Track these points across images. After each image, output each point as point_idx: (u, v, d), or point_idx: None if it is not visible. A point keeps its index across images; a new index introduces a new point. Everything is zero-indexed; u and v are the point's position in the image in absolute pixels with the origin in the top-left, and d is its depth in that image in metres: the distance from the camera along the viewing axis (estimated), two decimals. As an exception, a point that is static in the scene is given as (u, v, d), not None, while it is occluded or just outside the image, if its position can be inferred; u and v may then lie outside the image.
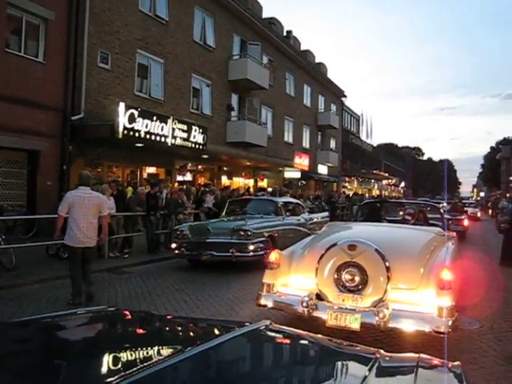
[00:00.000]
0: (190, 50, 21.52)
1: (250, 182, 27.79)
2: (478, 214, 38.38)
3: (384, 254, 5.23)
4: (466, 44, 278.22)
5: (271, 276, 5.82)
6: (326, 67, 42.73)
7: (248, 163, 26.33)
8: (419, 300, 5.05)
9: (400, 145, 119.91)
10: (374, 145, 66.55)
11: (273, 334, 2.24)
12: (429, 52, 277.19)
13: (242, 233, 10.62)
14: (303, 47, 38.71)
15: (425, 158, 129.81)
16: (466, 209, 28.77)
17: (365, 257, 5.25)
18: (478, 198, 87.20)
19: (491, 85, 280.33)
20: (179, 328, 2.35)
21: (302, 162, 33.58)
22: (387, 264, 5.18)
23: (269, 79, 26.92)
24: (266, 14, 31.04)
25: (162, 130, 17.29)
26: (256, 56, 25.59)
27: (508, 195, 42.23)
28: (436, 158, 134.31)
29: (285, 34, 34.96)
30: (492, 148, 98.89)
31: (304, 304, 5.24)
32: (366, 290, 5.18)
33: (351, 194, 37.54)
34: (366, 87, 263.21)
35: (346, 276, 5.27)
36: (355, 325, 4.99)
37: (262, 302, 5.70)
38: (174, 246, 11.52)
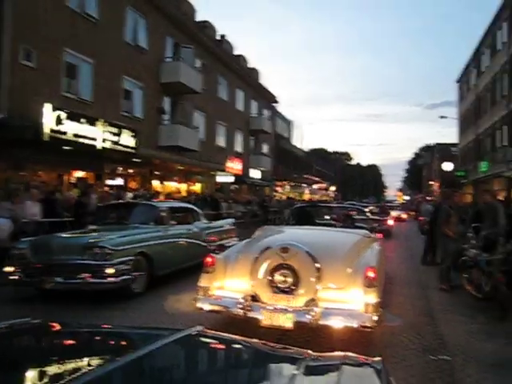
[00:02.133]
0: (121, 51, 21.07)
1: (183, 187, 27.57)
2: (403, 216, 40.48)
3: (314, 256, 5.55)
4: (392, 56, 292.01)
5: (207, 279, 5.99)
6: (258, 72, 43.24)
7: (180, 167, 26.14)
8: (347, 298, 5.42)
9: (330, 150, 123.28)
10: (306, 150, 68.04)
11: (205, 340, 2.27)
12: (357, 62, 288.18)
13: (97, 250, 7.83)
14: (236, 52, 38.98)
15: (354, 162, 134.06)
16: (391, 211, 31.85)
17: (297, 259, 5.55)
18: (403, 201, 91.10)
19: (414, 95, 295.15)
20: (110, 337, 2.32)
21: (235, 166, 33.76)
22: (317, 265, 5.50)
23: (202, 83, 26.88)
24: (199, 18, 30.97)
25: (91, 132, 16.80)
26: (189, 59, 25.47)
27: (428, 198, 44.71)
28: (364, 163, 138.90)
29: (218, 37, 35.03)
30: (415, 154, 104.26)
31: (240, 305, 5.50)
32: (298, 291, 5.50)
33: (284, 198, 38.21)
34: (298, 94, 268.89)
35: (279, 277, 5.57)
36: (289, 324, 5.29)
37: (199, 305, 5.87)
38: (7, 269, 8.13)
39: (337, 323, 5.22)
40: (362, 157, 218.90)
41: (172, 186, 26.48)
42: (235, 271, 5.99)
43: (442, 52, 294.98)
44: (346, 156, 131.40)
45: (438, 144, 74.36)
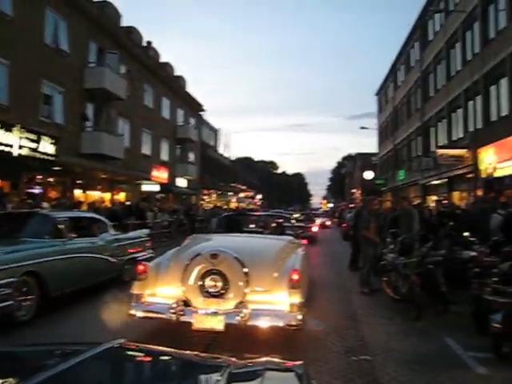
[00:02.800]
0: (40, 54, 20.13)
1: (107, 196, 26.77)
2: (328, 223, 41.77)
3: (243, 261, 5.87)
4: (318, 68, 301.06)
5: (139, 287, 6.17)
6: (185, 81, 43.02)
7: (104, 176, 25.40)
8: (274, 300, 5.83)
9: (256, 159, 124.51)
10: (232, 159, 68.37)
11: (127, 352, 2.23)
12: (285, 73, 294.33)
13: None
14: (163, 59, 38.56)
15: (279, 171, 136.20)
16: (316, 218, 34.05)
17: (226, 264, 5.87)
18: (327, 209, 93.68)
19: (338, 106, 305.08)
20: (27, 355, 2.20)
21: (161, 174, 33.31)
22: (245, 270, 5.83)
23: (127, 90, 26.32)
24: (125, 23, 30.32)
25: (6, 139, 15.92)
26: (113, 65, 24.87)
27: (351, 206, 46.33)
28: (290, 172, 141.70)
29: (144, 44, 34.50)
30: (338, 163, 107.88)
31: (172, 310, 5.73)
32: (227, 294, 5.82)
33: (211, 206, 38.13)
34: (226, 103, 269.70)
35: (209, 282, 5.86)
36: (219, 326, 5.62)
37: (132, 312, 6.03)
38: None
39: (264, 323, 5.61)
40: (287, 166, 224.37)
41: (95, 195, 25.62)
42: (167, 278, 6.16)
43: (365, 65, 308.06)
44: (271, 165, 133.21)
45: (360, 154, 77.45)
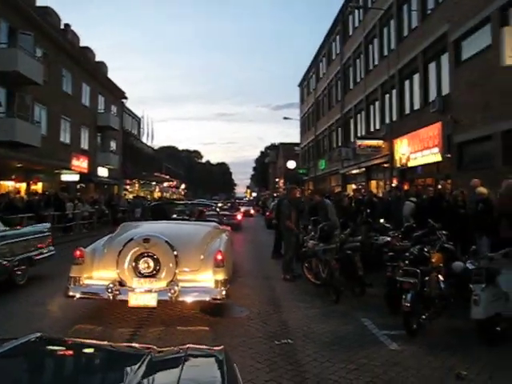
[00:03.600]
0: None
1: (23, 186, 25.42)
2: (251, 211, 42.54)
3: (173, 245, 6.70)
4: (247, 57, 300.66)
5: (77, 270, 6.80)
6: (106, 67, 41.51)
7: (19, 165, 24.05)
8: (201, 278, 6.77)
9: (181, 148, 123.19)
10: (156, 148, 67.13)
11: (45, 346, 2.21)
12: (214, 61, 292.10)
13: None
14: (83, 44, 36.96)
15: (203, 160, 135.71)
16: (241, 207, 34.70)
17: (157, 248, 6.67)
18: (251, 198, 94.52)
19: (263, 96, 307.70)
20: None
21: (81, 164, 32.11)
22: (175, 253, 6.68)
23: (43, 74, 24.97)
24: (41, 3, 28.62)
25: None
26: (28, 47, 23.44)
27: (275, 195, 47.05)
28: (214, 161, 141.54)
29: (62, 26, 32.82)
30: (262, 152, 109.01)
31: (109, 290, 6.42)
32: (159, 275, 6.61)
33: (134, 196, 37.29)
34: (152, 91, 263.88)
35: (142, 264, 6.66)
36: (153, 302, 6.44)
37: (71, 293, 6.67)
38: None
39: (193, 298, 6.54)
40: (212, 155, 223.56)
41: (9, 185, 24.26)
42: (102, 262, 6.89)
43: (291, 56, 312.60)
44: (196, 154, 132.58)
45: (283, 143, 78.84)
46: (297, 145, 61.48)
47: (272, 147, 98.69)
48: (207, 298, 6.56)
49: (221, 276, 6.72)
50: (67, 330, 6.13)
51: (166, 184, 68.20)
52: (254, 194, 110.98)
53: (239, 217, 26.81)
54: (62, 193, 23.16)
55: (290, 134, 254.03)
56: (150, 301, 6.45)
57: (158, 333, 6.25)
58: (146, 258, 6.67)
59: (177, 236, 7.10)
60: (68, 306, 7.33)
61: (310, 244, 9.36)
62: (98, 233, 22.06)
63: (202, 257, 6.95)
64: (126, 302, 6.44)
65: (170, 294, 6.38)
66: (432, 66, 20.12)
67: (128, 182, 47.58)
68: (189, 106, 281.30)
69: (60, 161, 28.53)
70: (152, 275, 6.61)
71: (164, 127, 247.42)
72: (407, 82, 22.80)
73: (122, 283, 6.57)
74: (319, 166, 42.93)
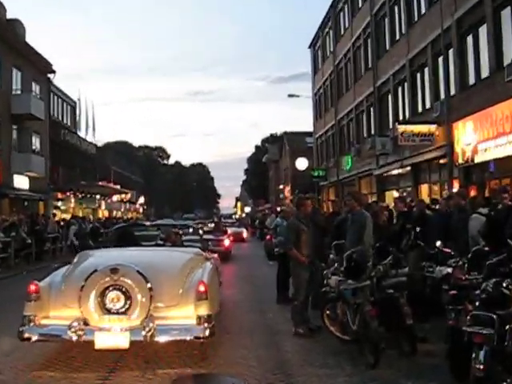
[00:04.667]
0: None
1: None
2: (244, 234, 43.18)
3: (145, 276, 7.85)
4: (233, 11, 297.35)
5: (32, 308, 8.02)
6: (24, 27, 41.52)
7: None
8: (180, 314, 8.03)
9: (136, 144, 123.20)
10: (99, 144, 67.19)
11: None
12: (179, 14, 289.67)
13: None
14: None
15: (171, 161, 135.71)
16: (228, 228, 34.52)
17: (127, 279, 7.80)
18: (243, 215, 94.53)
19: (258, 64, 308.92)
20: None
21: (-11, 170, 32.03)
22: (149, 284, 7.81)
23: None
24: None
25: None
26: None
27: (279, 209, 46.99)
28: (186, 162, 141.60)
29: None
30: (257, 148, 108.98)
31: (72, 329, 7.56)
32: (131, 310, 7.76)
33: (68, 217, 37.17)
34: (87, 61, 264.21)
35: (110, 299, 7.80)
36: (124, 343, 7.63)
37: (26, 335, 7.89)
38: None
39: (171, 338, 7.84)
40: (183, 153, 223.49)
41: None
42: (61, 298, 8.11)
43: (295, 4, 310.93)
44: (159, 152, 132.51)
45: (288, 133, 78.84)
46: (309, 135, 61.53)
47: (272, 139, 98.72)
48: (188, 337, 7.84)
49: (204, 311, 7.99)
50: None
51: (115, 198, 68.30)
52: (248, 209, 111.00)
53: (227, 242, 27.03)
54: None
55: (299, 118, 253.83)
56: (121, 342, 7.64)
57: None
58: (114, 292, 7.81)
59: (150, 265, 8.41)
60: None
61: (333, 281, 9.37)
62: (16, 273, 22.14)
63: (181, 289, 8.25)
64: (93, 343, 7.65)
65: (144, 333, 7.54)
66: (507, 12, 19.96)
67: (59, 195, 47.69)
68: (146, 83, 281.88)
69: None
70: (122, 312, 7.78)
71: (111, 114, 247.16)
72: (470, 38, 22.77)
73: (86, 322, 7.70)
74: (343, 165, 42.96)
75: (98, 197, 59.02)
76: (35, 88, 41.87)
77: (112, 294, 7.79)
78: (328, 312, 9.62)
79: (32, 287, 8.08)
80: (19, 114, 37.87)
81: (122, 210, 75.48)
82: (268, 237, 27.16)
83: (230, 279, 16.52)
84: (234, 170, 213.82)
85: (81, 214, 46.28)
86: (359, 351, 8.47)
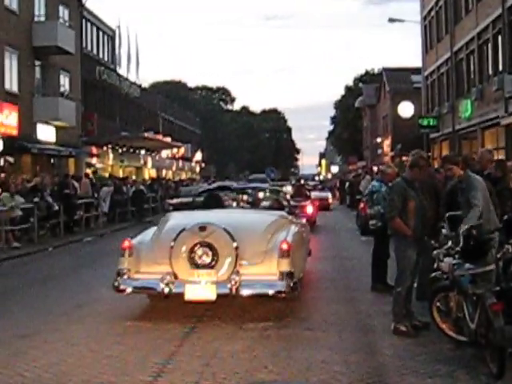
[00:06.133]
0: None
1: None
2: (329, 200, 43.84)
3: (232, 233, 10.52)
4: None
5: (126, 263, 11.00)
6: None
7: None
8: (264, 271, 10.68)
9: (192, 84, 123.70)
10: (145, 85, 67.90)
11: None
12: None
13: None
14: None
15: (237, 106, 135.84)
16: (311, 192, 35.79)
17: (215, 237, 10.55)
18: (329, 176, 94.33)
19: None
20: None
21: (5, 119, 32.96)
22: (235, 242, 10.48)
23: None
24: None
25: None
26: None
27: (376, 169, 46.40)
28: (256, 108, 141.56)
29: None
30: (347, 89, 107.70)
31: (164, 282, 10.35)
32: (218, 266, 10.49)
33: (107, 177, 37.69)
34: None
35: (198, 255, 10.55)
36: (211, 295, 10.37)
37: (122, 287, 10.87)
38: None
39: (254, 291, 10.48)
40: (251, 96, 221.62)
41: None
42: (152, 254, 11.08)
43: None
44: (221, 95, 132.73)
45: (388, 69, 77.69)
46: (415, 72, 60.68)
47: (368, 78, 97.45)
48: (270, 292, 10.46)
49: (286, 267, 10.51)
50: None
51: (165, 153, 68.85)
52: (335, 169, 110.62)
53: (310, 209, 27.34)
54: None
55: (403, 50, 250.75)
56: (209, 294, 10.42)
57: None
58: (202, 248, 10.57)
59: (236, 224, 11.10)
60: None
61: (446, 264, 9.22)
62: (40, 249, 22.62)
63: (265, 248, 10.94)
64: (181, 296, 10.48)
65: (229, 287, 10.19)
66: None
67: (94, 150, 48.62)
68: (201, 2, 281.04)
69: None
70: (210, 267, 10.53)
71: (159, 46, 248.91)
72: None
73: (176, 276, 10.51)
74: (460, 111, 42.28)
75: (142, 152, 60.11)
76: (63, 13, 42.38)
77: (200, 251, 10.54)
78: (438, 304, 9.53)
79: (126, 243, 11.11)
80: (43, 47, 38.35)
81: (174, 168, 76.10)
82: (361, 205, 26.93)
83: (312, 259, 16.41)
84: (318, 118, 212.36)
85: (121, 174, 46.82)
86: (479, 357, 8.35)
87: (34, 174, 32.69)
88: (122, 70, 55.74)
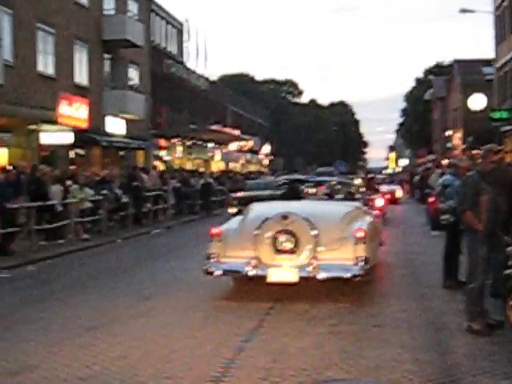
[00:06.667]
0: None
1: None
2: (398, 194, 43.19)
3: (312, 222, 11.67)
4: None
5: (215, 248, 12.34)
6: None
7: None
8: (341, 256, 11.71)
9: (259, 77, 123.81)
10: (213, 78, 68.00)
11: None
12: None
13: None
14: None
15: (304, 99, 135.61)
16: (380, 186, 35.72)
17: (296, 225, 11.72)
18: (398, 169, 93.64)
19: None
20: None
21: (76, 112, 33.13)
22: (315, 230, 11.60)
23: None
24: None
25: None
26: None
27: (447, 162, 45.81)
28: (324, 101, 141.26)
29: None
30: (418, 81, 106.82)
31: (250, 266, 11.62)
32: (298, 251, 11.63)
33: (174, 170, 37.82)
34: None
35: (281, 241, 11.71)
36: (293, 278, 11.57)
37: (211, 270, 12.12)
38: None
39: (332, 274, 11.52)
40: (319, 89, 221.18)
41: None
42: (238, 241, 12.36)
43: None
44: (289, 88, 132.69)
45: (459, 61, 76.83)
46: (487, 63, 59.81)
47: (438, 70, 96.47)
48: (347, 275, 11.43)
49: (361, 253, 11.58)
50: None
51: (233, 146, 69.00)
52: (404, 162, 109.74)
53: (380, 202, 26.54)
54: (42, 167, 23.73)
55: (474, 42, 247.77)
56: (290, 276, 11.62)
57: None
58: (284, 236, 11.72)
59: (315, 214, 12.33)
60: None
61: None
62: (108, 241, 22.80)
63: (342, 235, 12.01)
64: (263, 279, 11.74)
65: (309, 270, 11.38)
66: None
67: (163, 143, 48.95)
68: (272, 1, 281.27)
69: (37, 108, 29.62)
70: (291, 252, 11.68)
71: (227, 39, 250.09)
72: None
73: (260, 260, 11.71)
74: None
75: (211, 145, 60.46)
76: (132, 7, 42.79)
77: (282, 237, 11.69)
78: (514, 302, 9.29)
79: (215, 230, 12.54)
80: (112, 40, 38.76)
81: (242, 161, 76.18)
82: (431, 199, 26.57)
83: (381, 253, 16.18)
84: (387, 110, 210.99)
85: (189, 167, 47.01)
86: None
87: (103, 167, 32.98)
88: (190, 63, 56.02)
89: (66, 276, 16.43)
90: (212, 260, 12.19)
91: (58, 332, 10.26)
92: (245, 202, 25.73)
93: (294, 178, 23.35)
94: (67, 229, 22.46)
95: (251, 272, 11.66)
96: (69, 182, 23.67)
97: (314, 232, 11.62)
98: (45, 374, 8.06)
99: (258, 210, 13.70)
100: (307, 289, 12.21)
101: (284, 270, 11.61)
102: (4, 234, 18.69)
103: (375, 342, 9.29)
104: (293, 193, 16.38)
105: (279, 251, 11.69)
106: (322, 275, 11.37)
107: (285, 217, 11.81)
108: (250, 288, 12.78)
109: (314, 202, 15.86)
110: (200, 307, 11.84)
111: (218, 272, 12.11)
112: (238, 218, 14.01)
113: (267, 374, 7.83)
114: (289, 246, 11.64)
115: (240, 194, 31.40)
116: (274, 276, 11.57)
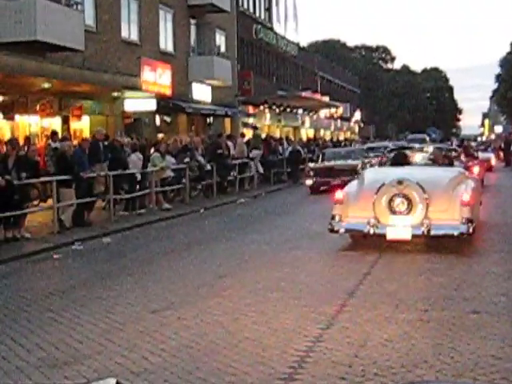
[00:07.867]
0: None
1: (55, 123, 26.50)
2: (492, 162, 42.15)
3: (423, 186, 13.37)
4: None
5: (339, 209, 14.09)
6: None
7: (46, 85, 24.89)
8: (449, 217, 13.53)
9: (351, 43, 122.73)
10: (303, 44, 67.21)
11: None
12: None
13: None
14: None
15: (397, 65, 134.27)
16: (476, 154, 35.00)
17: (410, 189, 13.42)
18: (493, 137, 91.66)
19: None
20: None
21: (159, 79, 33.01)
22: (426, 193, 13.32)
23: None
24: None
25: None
26: None
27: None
28: (417, 67, 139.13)
29: None
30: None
31: (370, 224, 13.36)
32: (412, 212, 13.34)
33: (264, 136, 37.18)
34: None
35: (396, 204, 13.43)
36: (408, 236, 13.41)
37: (335, 228, 14.07)
38: None
39: (443, 232, 13.44)
40: (412, 55, 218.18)
41: (29, 122, 25.33)
42: (358, 203, 14.08)
43: None
44: (381, 53, 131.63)
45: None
46: None
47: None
48: (455, 233, 13.16)
49: (467, 214, 13.13)
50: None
51: (323, 113, 68.40)
52: (499, 129, 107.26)
53: (476, 170, 25.98)
54: (120, 139, 23.48)
55: None
56: (405, 234, 13.34)
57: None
58: (399, 199, 13.35)
59: (426, 179, 13.84)
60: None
61: None
62: (192, 210, 22.30)
63: (449, 198, 13.60)
64: (382, 236, 13.47)
65: (422, 229, 13.03)
66: None
67: (251, 110, 48.73)
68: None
69: (120, 74, 29.42)
70: (406, 213, 13.30)
71: (318, 3, 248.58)
72: None
73: (378, 220, 13.36)
74: None
75: (300, 112, 59.75)
76: (219, -30, 41.95)
77: (398, 200, 13.38)
78: None
79: (339, 194, 14.42)
80: (198, 5, 38.54)
81: (332, 129, 75.66)
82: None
83: (477, 227, 15.11)
84: (481, 76, 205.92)
85: (278, 134, 46.41)
86: None
87: (188, 135, 32.63)
88: (279, 29, 55.36)
89: (141, 249, 16.13)
90: (336, 220, 13.95)
91: (121, 314, 9.81)
92: (322, 174, 29.02)
93: (401, 145, 26.79)
94: (148, 198, 22.37)
95: (372, 230, 13.37)
96: (152, 151, 23.42)
97: (426, 195, 13.19)
98: (95, 367, 7.51)
99: (374, 175, 15.93)
100: (397, 266, 12.75)
101: (400, 229, 13.31)
102: (80, 204, 18.42)
103: (472, 332, 8.38)
104: (401, 158, 17.50)
105: (395, 212, 13.38)
106: (433, 233, 13.12)
107: (400, 182, 13.38)
108: (339, 264, 13.30)
109: (422, 167, 16.82)
110: (279, 287, 11.14)
111: (342, 230, 14.11)
112: (355, 182, 15.64)
113: (346, 372, 7.09)
114: (403, 207, 13.32)
115: (317, 165, 31.07)
116: (391, 234, 13.27)
